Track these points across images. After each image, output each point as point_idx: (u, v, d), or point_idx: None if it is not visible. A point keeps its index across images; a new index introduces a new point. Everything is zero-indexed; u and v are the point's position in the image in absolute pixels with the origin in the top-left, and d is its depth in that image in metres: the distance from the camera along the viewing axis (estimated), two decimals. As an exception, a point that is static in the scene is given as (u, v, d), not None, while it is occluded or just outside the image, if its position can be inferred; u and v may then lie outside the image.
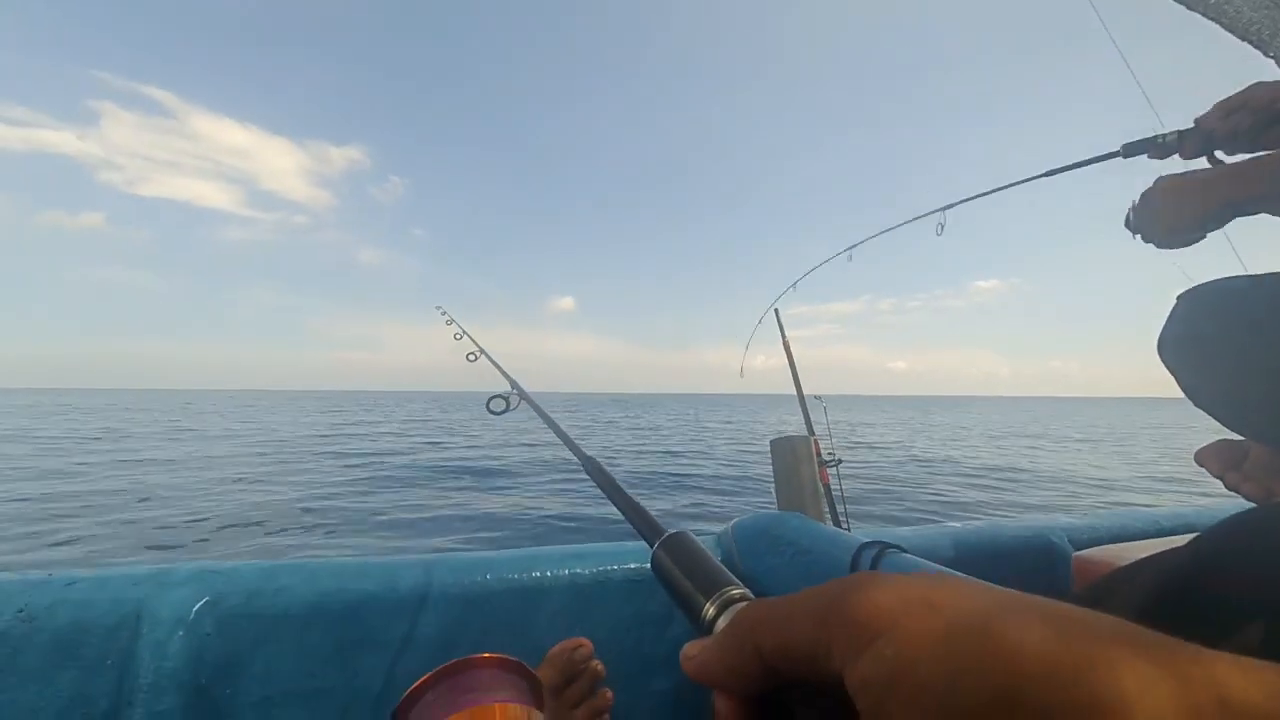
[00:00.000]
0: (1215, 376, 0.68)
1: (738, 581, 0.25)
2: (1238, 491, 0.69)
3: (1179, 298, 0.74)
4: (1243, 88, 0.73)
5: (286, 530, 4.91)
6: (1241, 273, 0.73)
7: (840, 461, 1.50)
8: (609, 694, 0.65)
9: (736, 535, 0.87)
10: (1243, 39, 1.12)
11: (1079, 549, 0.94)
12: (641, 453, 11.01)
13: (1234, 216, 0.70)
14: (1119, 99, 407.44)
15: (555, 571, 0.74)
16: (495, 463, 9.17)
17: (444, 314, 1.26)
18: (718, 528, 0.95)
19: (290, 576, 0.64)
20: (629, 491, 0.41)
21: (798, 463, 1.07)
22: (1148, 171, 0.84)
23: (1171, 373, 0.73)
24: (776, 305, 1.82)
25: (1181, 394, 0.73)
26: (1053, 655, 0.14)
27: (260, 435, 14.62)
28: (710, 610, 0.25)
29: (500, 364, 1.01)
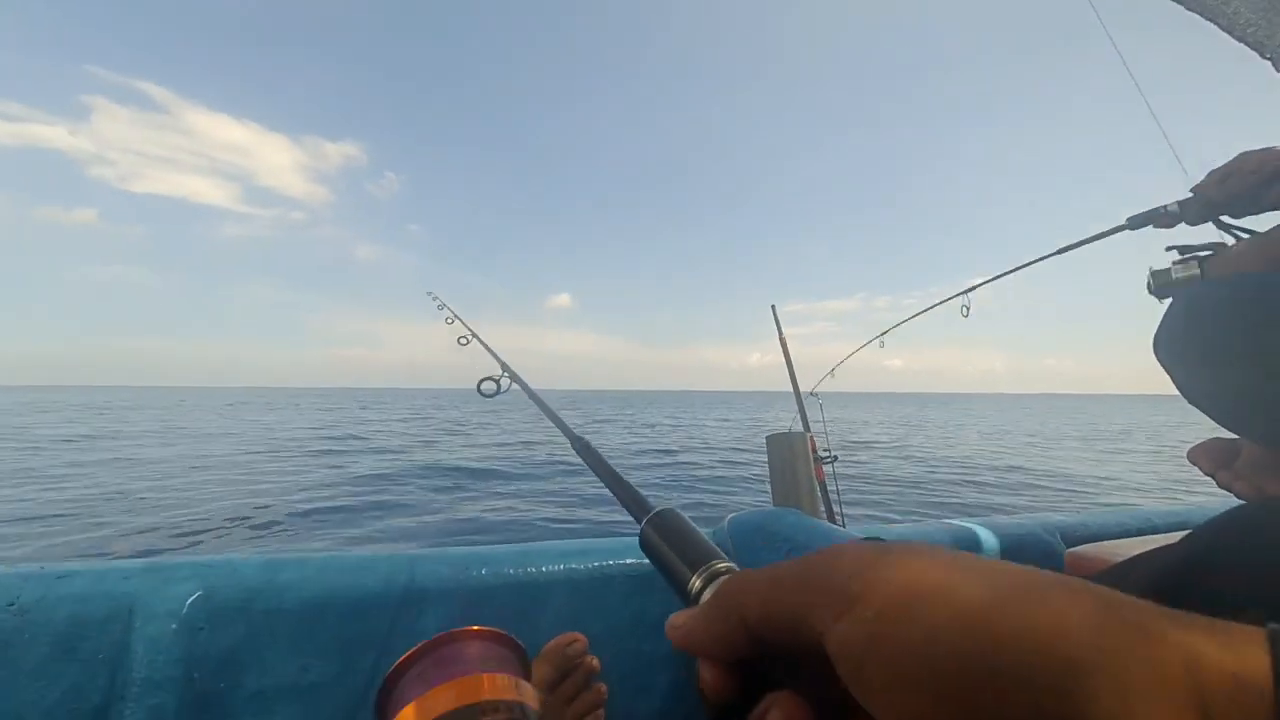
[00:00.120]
0: (1208, 375, 0.68)
1: (724, 556, 0.26)
2: (1230, 490, 0.69)
3: (1175, 296, 0.74)
4: (1230, 158, 0.77)
5: (276, 531, 4.91)
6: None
7: (836, 458, 1.50)
8: (603, 689, 0.65)
9: (732, 531, 0.87)
10: (1240, 40, 1.13)
11: (1071, 546, 0.94)
12: (642, 451, 11.04)
13: None
14: (1119, 99, 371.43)
15: (554, 567, 0.74)
16: (493, 464, 9.16)
17: (435, 299, 1.26)
18: (714, 525, 0.95)
19: (286, 571, 0.64)
20: (618, 470, 0.42)
21: (794, 459, 1.07)
22: (1159, 239, 0.86)
23: (1166, 371, 0.73)
24: (810, 390, 1.80)
25: (1177, 392, 0.74)
26: (1028, 616, 0.14)
27: (255, 433, 14.58)
28: (697, 583, 0.25)
29: (491, 347, 1.01)
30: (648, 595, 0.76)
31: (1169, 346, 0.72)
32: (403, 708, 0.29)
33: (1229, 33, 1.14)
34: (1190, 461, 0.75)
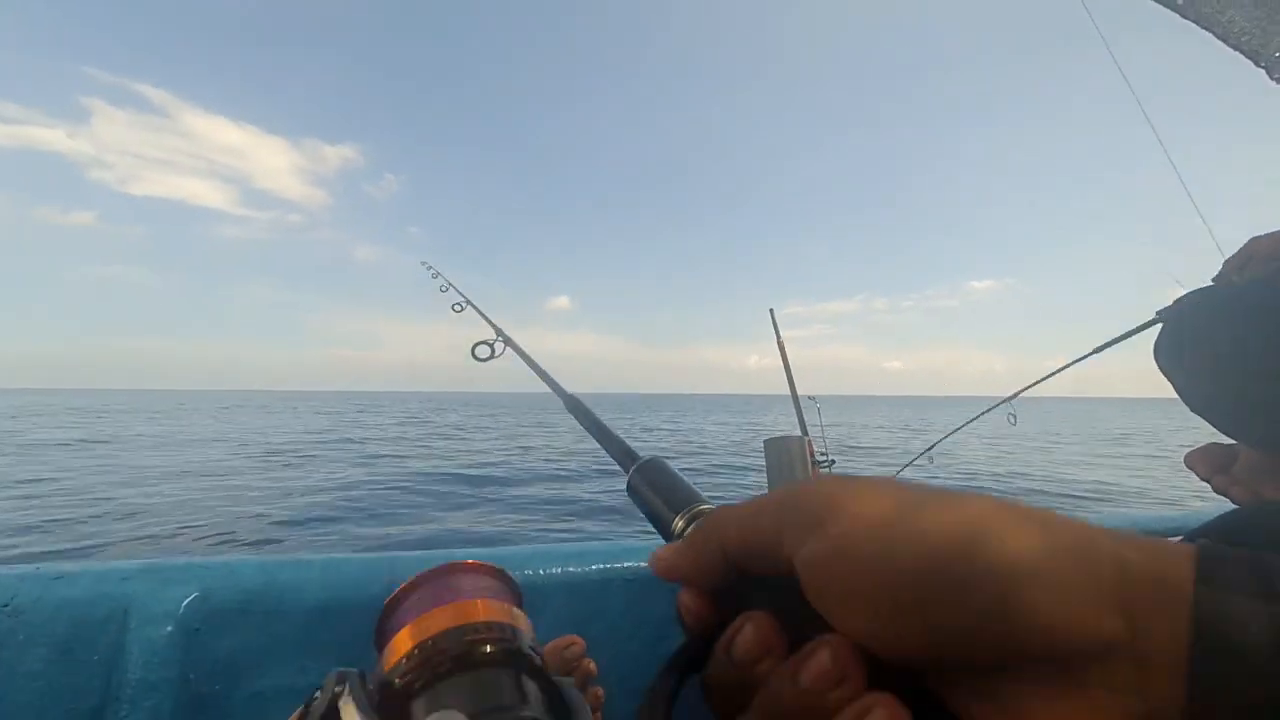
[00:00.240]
0: (1207, 380, 0.69)
1: (708, 501, 0.27)
2: (1226, 494, 0.69)
3: (1174, 301, 0.74)
4: (1241, 245, 0.77)
5: (270, 538, 4.88)
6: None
7: (834, 462, 1.50)
8: (600, 692, 0.65)
9: None
10: (1235, 48, 1.14)
11: None
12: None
13: None
14: (1118, 100, 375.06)
15: (553, 570, 0.73)
16: (490, 471, 9.14)
17: (429, 268, 1.25)
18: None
19: (284, 573, 0.64)
20: (606, 423, 0.44)
21: (791, 463, 1.07)
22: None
23: (1166, 377, 0.74)
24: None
25: (1176, 395, 0.74)
26: (978, 535, 0.16)
27: (251, 438, 14.54)
28: (680, 523, 0.27)
29: (485, 312, 1.02)
30: (646, 599, 0.76)
31: (1169, 352, 0.72)
32: (400, 630, 0.29)
33: (1224, 41, 1.15)
34: (1187, 466, 0.76)
